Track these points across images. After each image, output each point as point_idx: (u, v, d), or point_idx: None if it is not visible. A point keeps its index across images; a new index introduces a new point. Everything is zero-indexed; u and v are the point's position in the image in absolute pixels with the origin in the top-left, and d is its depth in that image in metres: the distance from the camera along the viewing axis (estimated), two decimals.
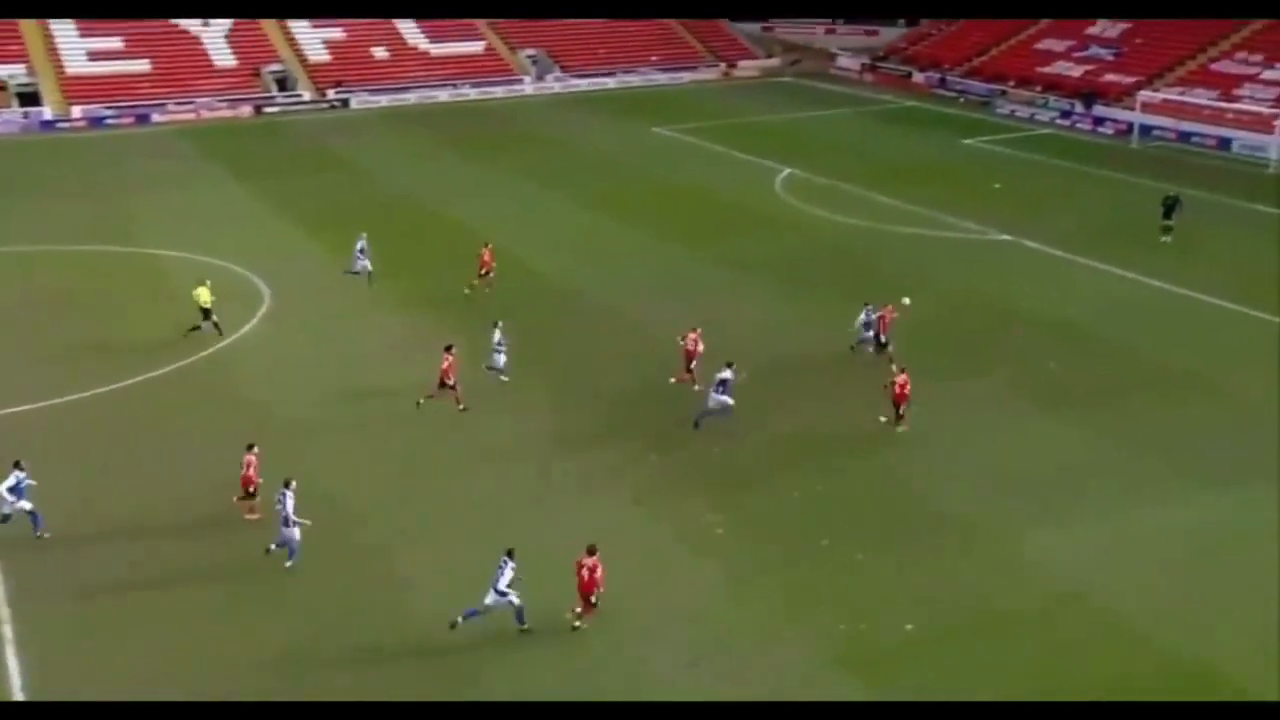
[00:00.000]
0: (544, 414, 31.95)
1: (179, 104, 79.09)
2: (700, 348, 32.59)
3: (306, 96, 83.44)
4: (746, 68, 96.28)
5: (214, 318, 37.02)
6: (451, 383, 31.24)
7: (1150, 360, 35.45)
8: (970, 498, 26.68)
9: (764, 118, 76.94)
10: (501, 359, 33.09)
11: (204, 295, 37.05)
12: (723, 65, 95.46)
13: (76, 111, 76.61)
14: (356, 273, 42.14)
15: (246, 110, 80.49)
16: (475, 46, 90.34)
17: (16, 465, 25.41)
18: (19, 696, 20.67)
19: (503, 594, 21.83)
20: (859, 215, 52.08)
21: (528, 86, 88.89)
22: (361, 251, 42.34)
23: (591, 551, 22.28)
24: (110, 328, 38.61)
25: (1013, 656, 21.77)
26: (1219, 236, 48.74)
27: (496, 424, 31.23)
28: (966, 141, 69.45)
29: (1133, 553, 24.88)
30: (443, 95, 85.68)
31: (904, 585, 23.84)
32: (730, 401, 29.83)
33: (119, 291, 42.40)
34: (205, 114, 79.00)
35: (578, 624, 22.23)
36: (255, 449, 26.11)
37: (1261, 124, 64.71)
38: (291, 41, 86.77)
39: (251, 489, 25.80)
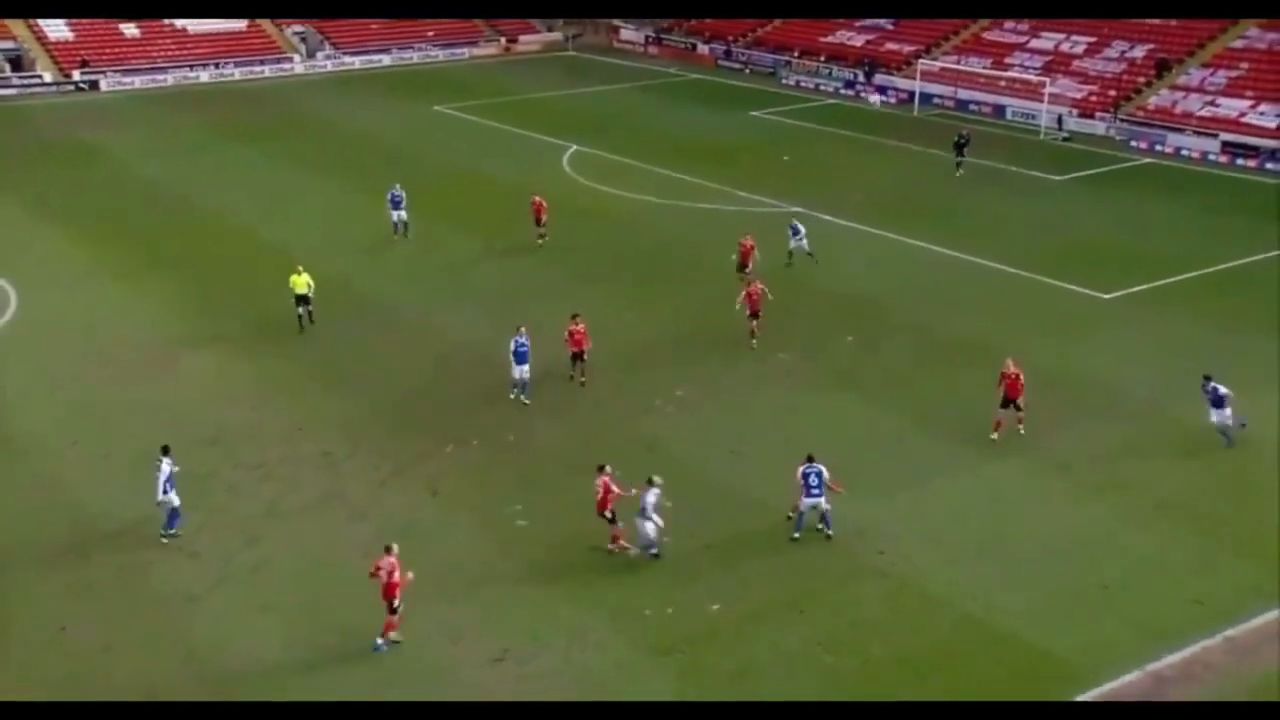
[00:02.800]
0: (331, 414, 31.19)
1: None
2: (588, 341, 32.01)
3: (48, 78, 78.88)
4: (528, 42, 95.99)
5: (310, 308, 36.12)
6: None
7: (940, 330, 37.01)
8: (766, 477, 27.31)
9: (548, 94, 76.92)
10: None
11: (301, 282, 36.03)
12: (503, 40, 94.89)
13: None
14: (397, 226, 43.75)
15: None
16: (237, 23, 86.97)
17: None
18: None
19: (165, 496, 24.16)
20: (652, 192, 52.70)
21: (297, 65, 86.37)
22: (396, 202, 43.82)
23: (389, 550, 21.89)
24: None
25: (815, 632, 22.43)
26: (999, 202, 51.48)
27: (277, 430, 30.33)
28: (754, 114, 71.06)
29: (926, 523, 25.99)
30: (204, 76, 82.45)
31: (706, 567, 24.30)
32: (658, 524, 24.72)
33: None
34: None
35: (380, 641, 21.84)
36: (608, 469, 24.75)
37: (1031, 91, 68.57)
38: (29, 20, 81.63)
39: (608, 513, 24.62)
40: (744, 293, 35.27)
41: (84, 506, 26.73)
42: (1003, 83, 71.35)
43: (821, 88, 78.84)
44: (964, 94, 72.08)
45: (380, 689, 20.76)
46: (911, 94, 72.83)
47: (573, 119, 68.50)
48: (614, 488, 24.31)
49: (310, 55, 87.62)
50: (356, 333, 36.81)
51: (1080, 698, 20.36)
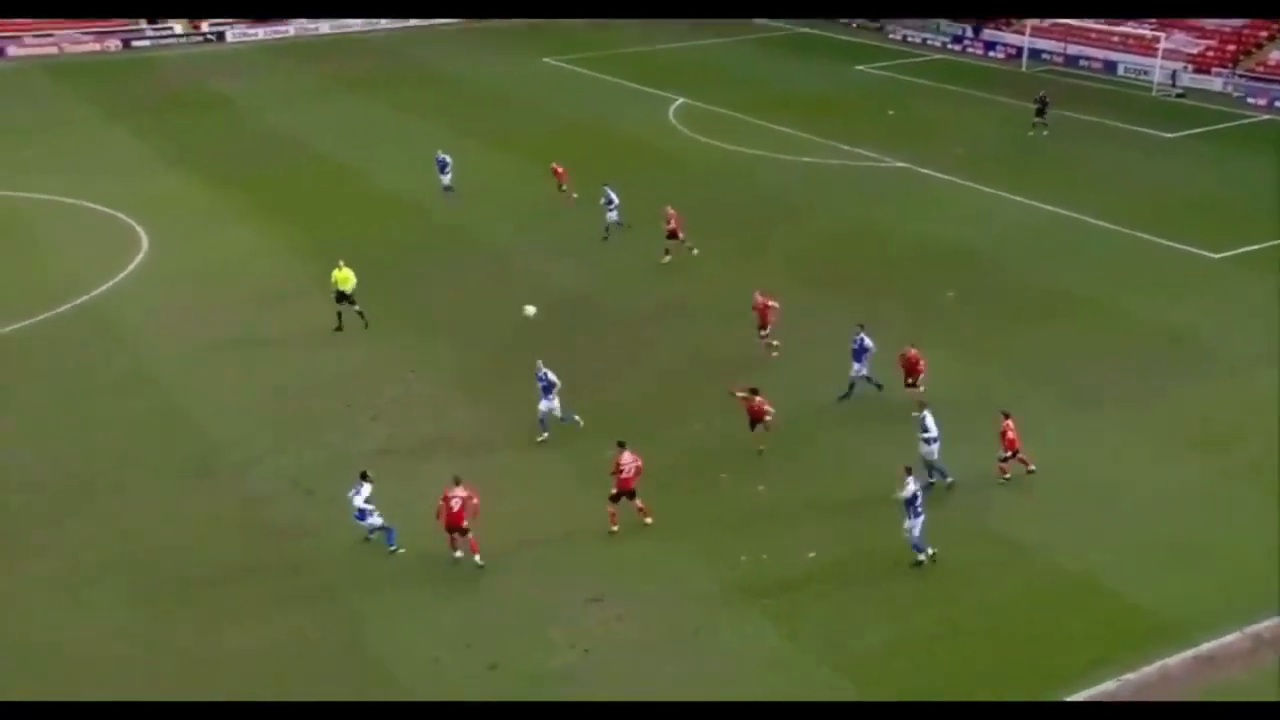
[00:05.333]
0: (439, 359, 31.61)
1: (37, 36, 75.63)
2: (774, 306, 31.20)
3: (178, 29, 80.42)
4: None
5: (355, 306, 32.95)
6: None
7: (1042, 285, 36.19)
8: (864, 432, 27.01)
9: (655, 46, 76.31)
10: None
11: (346, 278, 32.97)
12: None
13: None
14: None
15: (114, 44, 77.37)
16: None
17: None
18: None
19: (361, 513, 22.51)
20: (756, 145, 52.12)
21: (413, 17, 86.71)
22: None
23: (457, 482, 22.37)
24: None
25: (911, 579, 22.26)
26: (1106, 159, 49.86)
27: (390, 373, 30.83)
28: (860, 68, 69.75)
29: (1020, 476, 25.49)
30: (324, 26, 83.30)
31: (804, 516, 24.17)
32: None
33: None
34: (68, 47, 75.72)
35: (458, 554, 22.40)
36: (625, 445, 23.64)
37: (1145, 47, 66.09)
38: None
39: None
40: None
41: (207, 437, 27.53)
42: (1115, 38, 68.88)
43: (929, 42, 76.98)
44: (1074, 49, 69.80)
45: (477, 620, 21.13)
46: (1020, 49, 70.78)
47: (679, 72, 67.93)
48: (624, 469, 23.54)
49: None
50: (468, 279, 37.17)
51: (1175, 656, 19.87)
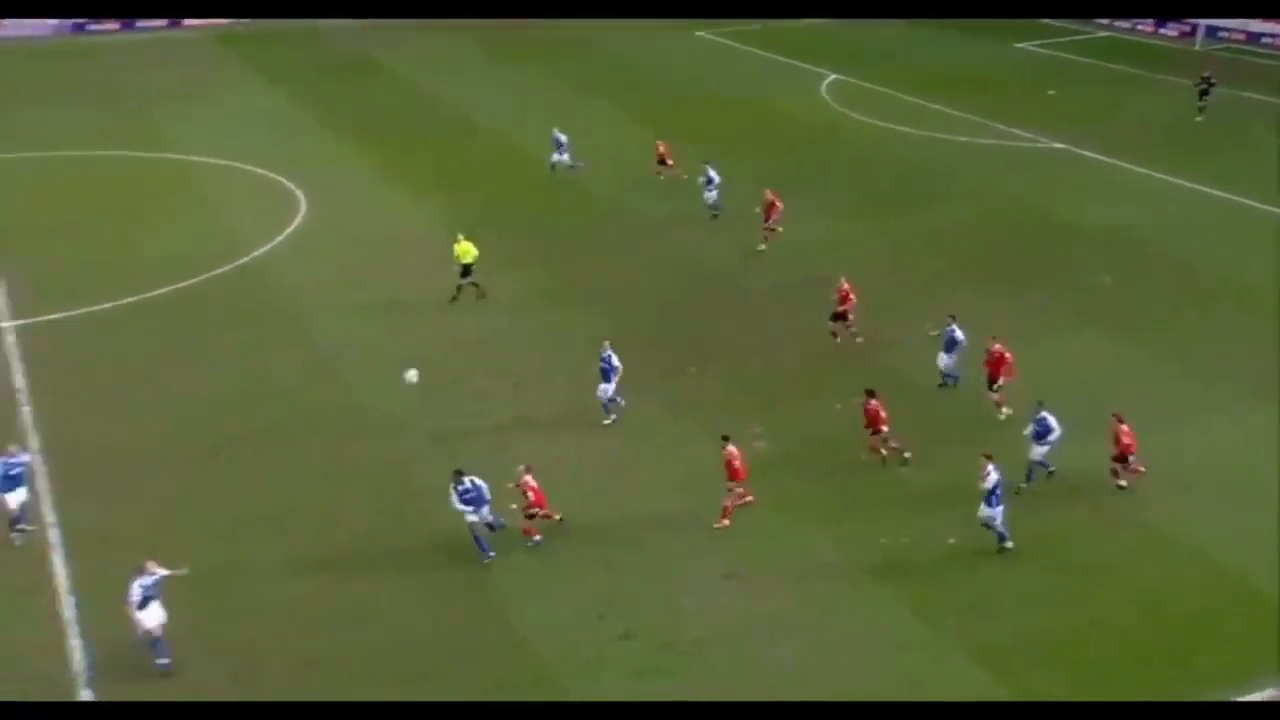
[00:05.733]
0: (580, 330, 31.92)
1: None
2: (853, 297, 30.30)
3: None
4: None
5: (474, 277, 33.18)
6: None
7: (1208, 273, 34.80)
8: (1013, 418, 26.35)
9: (808, 21, 75.30)
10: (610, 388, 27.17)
11: (467, 251, 33.19)
12: None
13: None
14: (569, 166, 42.82)
15: None
16: None
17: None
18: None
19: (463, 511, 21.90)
20: (910, 123, 51.13)
21: None
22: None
23: (528, 470, 22.52)
24: (137, 235, 38.85)
25: (1054, 570, 21.71)
26: None
27: (533, 340, 31.28)
28: (1019, 46, 67.80)
29: (1178, 468, 24.61)
30: None
31: (945, 500, 23.73)
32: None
33: (147, 198, 42.60)
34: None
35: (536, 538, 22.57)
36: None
37: None
38: None
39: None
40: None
41: (353, 394, 28.32)
42: None
43: (1095, 19, 74.22)
44: (1256, 26, 66.42)
45: (614, 589, 21.33)
46: (1194, 26, 67.72)
47: (833, 47, 67.08)
48: (736, 461, 23.07)
49: None
50: (618, 250, 37.50)
51: None
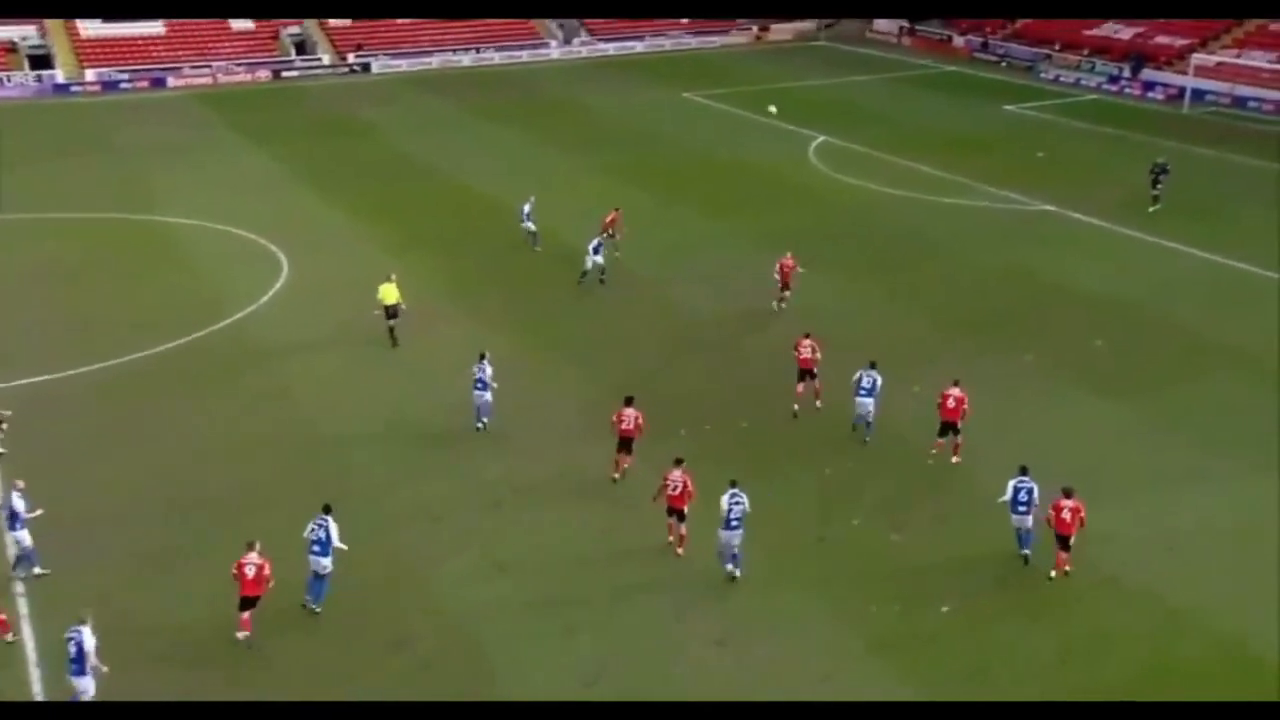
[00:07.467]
0: (570, 392, 32.03)
1: (195, 68, 79.49)
2: (817, 355, 30.43)
3: (326, 60, 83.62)
4: (780, 31, 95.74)
5: (395, 321, 34.51)
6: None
7: (1200, 339, 35.11)
8: (1004, 478, 26.51)
9: (798, 83, 76.52)
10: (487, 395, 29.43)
11: (390, 293, 34.61)
12: (755, 29, 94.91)
13: (90, 75, 77.16)
14: (530, 233, 43.23)
15: (264, 75, 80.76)
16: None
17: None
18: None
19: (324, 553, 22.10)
20: (897, 185, 51.78)
21: (554, 51, 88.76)
22: (528, 215, 43.02)
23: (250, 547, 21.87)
24: (121, 298, 38.95)
25: (1050, 641, 21.68)
26: (1277, 208, 48.07)
27: (520, 402, 31.36)
28: (1009, 108, 68.87)
29: (1174, 537, 24.72)
30: (465, 60, 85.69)
31: (938, 567, 23.78)
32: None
33: (131, 260, 42.75)
34: (222, 78, 79.34)
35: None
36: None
37: None
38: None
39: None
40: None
41: (344, 458, 28.33)
42: None
43: (1082, 82, 75.70)
44: (1243, 90, 67.75)
45: (606, 658, 21.23)
46: (1182, 89, 69.00)
47: (821, 109, 67.97)
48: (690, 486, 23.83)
49: (567, 41, 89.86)
50: (602, 310, 37.72)
51: None
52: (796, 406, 30.37)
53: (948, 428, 27.66)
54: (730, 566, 23.29)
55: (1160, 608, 22.54)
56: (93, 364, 33.53)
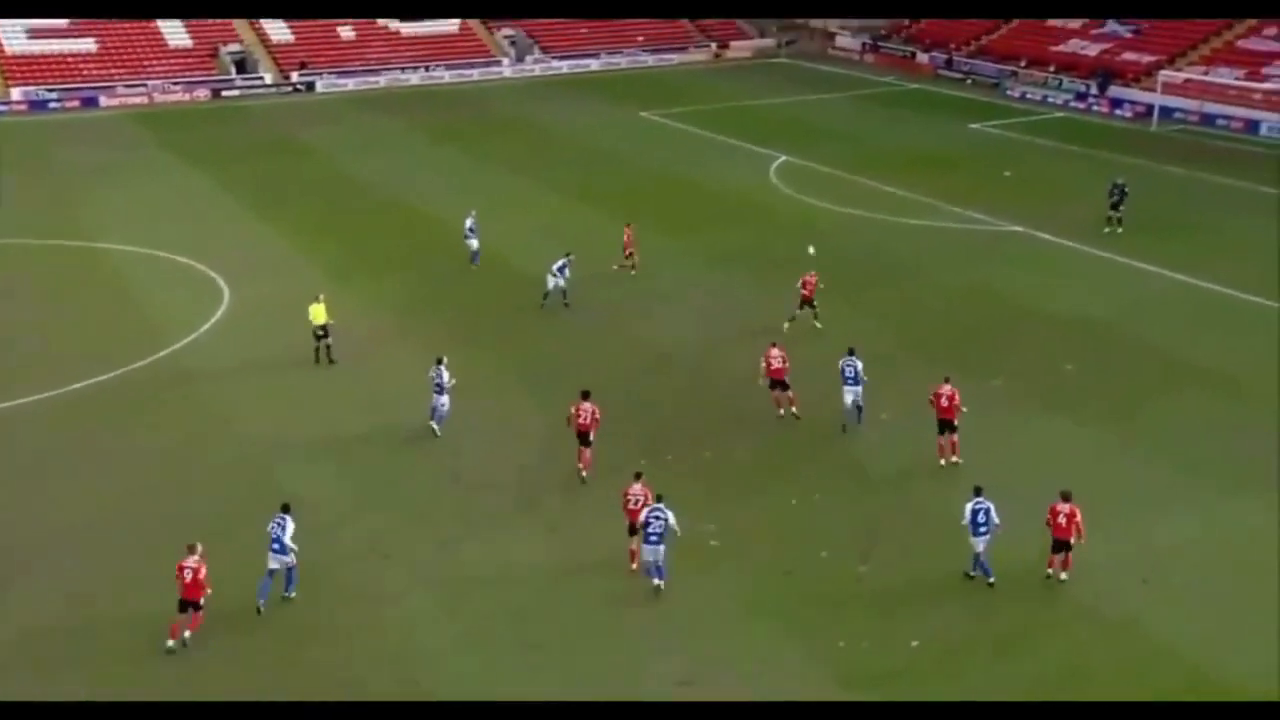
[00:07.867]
0: (526, 419, 31.93)
1: (129, 87, 78.93)
2: (787, 365, 31.32)
3: (268, 79, 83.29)
4: (739, 48, 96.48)
5: (328, 340, 35.12)
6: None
7: (1172, 359, 35.54)
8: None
9: (758, 101, 77.08)
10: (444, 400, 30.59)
11: (320, 313, 35.20)
12: (713, 46, 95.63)
13: (16, 94, 76.44)
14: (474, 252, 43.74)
15: (203, 94, 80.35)
16: (449, 26, 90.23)
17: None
18: None
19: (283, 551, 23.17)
20: (860, 205, 52.18)
21: (506, 69, 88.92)
22: (471, 230, 43.62)
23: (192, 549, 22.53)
24: (56, 328, 38.49)
25: (1026, 674, 21.77)
26: (1246, 226, 48.91)
27: (471, 443, 31.22)
28: (974, 126, 69.66)
29: (1151, 563, 24.92)
30: (414, 78, 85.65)
31: (908, 600, 23.85)
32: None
33: (65, 288, 42.26)
34: (158, 97, 78.85)
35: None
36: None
37: None
38: (252, 20, 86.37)
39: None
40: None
41: (284, 491, 27.95)
42: (1258, 95, 67.93)
43: (1049, 99, 76.75)
44: (1211, 108, 68.99)
45: (566, 696, 21.10)
46: (1150, 107, 70.13)
47: (783, 128, 68.48)
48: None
49: (519, 59, 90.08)
50: (557, 335, 37.67)
51: None
52: (781, 410, 31.29)
53: (944, 425, 28.19)
54: (656, 580, 23.79)
55: (1140, 640, 22.67)
56: (29, 396, 33.10)
